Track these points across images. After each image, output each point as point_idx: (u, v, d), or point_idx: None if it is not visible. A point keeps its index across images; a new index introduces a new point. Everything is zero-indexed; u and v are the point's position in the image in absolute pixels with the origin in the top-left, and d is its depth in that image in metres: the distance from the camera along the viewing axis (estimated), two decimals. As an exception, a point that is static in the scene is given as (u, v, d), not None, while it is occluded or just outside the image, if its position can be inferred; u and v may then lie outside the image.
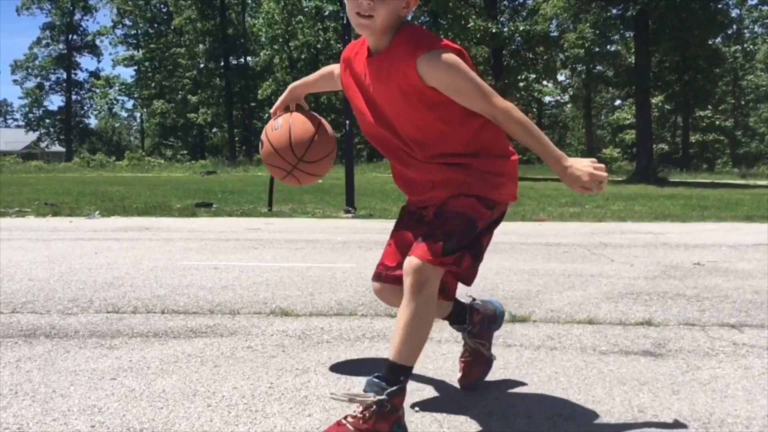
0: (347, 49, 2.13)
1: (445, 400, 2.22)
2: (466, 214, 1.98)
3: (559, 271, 4.78)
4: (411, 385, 2.35)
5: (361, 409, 1.86)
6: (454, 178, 2.01)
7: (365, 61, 2.02)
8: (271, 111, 2.39)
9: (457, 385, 2.37)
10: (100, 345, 2.84)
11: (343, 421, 1.85)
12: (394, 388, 1.87)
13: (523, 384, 2.40)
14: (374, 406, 1.85)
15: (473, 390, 2.33)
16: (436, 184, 2.04)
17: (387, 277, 2.13)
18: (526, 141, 1.97)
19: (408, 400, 2.20)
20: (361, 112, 2.08)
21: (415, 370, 2.51)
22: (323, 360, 2.65)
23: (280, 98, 2.37)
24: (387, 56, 1.95)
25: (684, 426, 2.01)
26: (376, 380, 1.89)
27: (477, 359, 2.37)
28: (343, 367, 2.55)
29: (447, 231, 1.93)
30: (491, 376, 2.46)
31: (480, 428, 2.00)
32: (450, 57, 1.89)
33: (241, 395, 2.24)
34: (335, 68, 2.32)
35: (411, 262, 1.89)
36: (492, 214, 2.07)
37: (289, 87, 2.38)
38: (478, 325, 2.36)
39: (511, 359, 2.68)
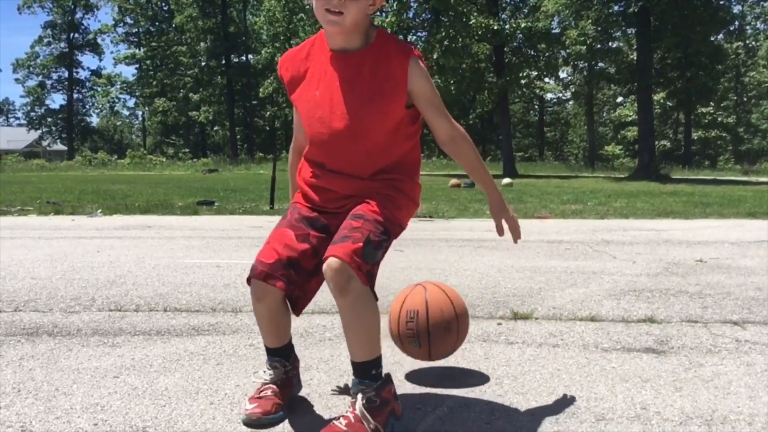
0: (288, 52, 2.11)
1: (448, 398, 2.22)
2: (384, 224, 1.95)
3: (561, 269, 4.77)
4: (413, 385, 2.35)
5: (351, 408, 1.88)
6: (379, 189, 2.01)
7: (330, 59, 1.99)
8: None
9: (459, 384, 2.36)
10: (102, 343, 2.84)
11: (336, 423, 1.86)
12: (377, 382, 1.90)
13: (525, 381, 2.40)
14: (364, 403, 1.87)
15: (475, 388, 2.33)
16: (357, 194, 2.02)
17: (262, 274, 2.01)
18: (476, 165, 2.10)
19: (410, 400, 2.20)
20: (317, 107, 2.00)
21: (417, 368, 2.52)
22: (325, 357, 2.65)
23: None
24: (369, 54, 1.96)
25: (686, 423, 2.01)
26: (357, 380, 1.91)
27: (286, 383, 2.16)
28: (345, 365, 2.55)
29: (367, 235, 1.89)
30: (493, 374, 2.46)
31: (483, 426, 2.00)
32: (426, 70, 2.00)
33: (244, 393, 2.24)
34: (289, 157, 2.26)
35: (331, 264, 1.84)
36: (398, 234, 2.05)
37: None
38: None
39: (514, 356, 2.68)
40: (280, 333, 2.11)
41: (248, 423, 1.97)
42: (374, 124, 1.97)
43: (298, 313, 2.08)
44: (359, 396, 1.88)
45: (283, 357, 2.13)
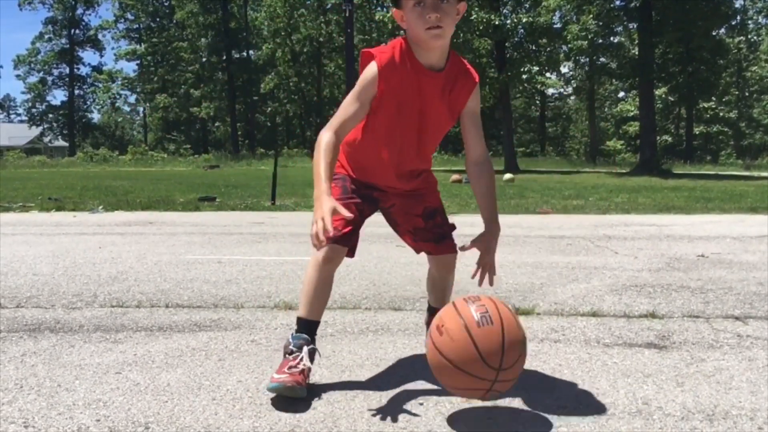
0: (384, 58, 2.16)
1: (450, 393, 2.22)
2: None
3: (563, 264, 4.77)
4: (415, 380, 2.36)
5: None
6: (429, 180, 2.47)
7: (423, 74, 2.17)
8: (321, 227, 1.90)
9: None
10: (104, 339, 2.85)
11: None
12: None
13: (526, 376, 2.39)
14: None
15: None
16: (409, 189, 2.41)
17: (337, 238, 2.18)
18: (491, 189, 2.37)
19: (412, 395, 2.20)
20: (405, 118, 2.22)
21: (419, 363, 2.52)
22: (327, 353, 2.65)
23: (325, 212, 1.93)
24: (450, 75, 2.20)
25: (688, 418, 2.01)
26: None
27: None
28: (347, 360, 2.56)
29: (451, 227, 2.47)
30: (495, 369, 2.46)
31: (485, 421, 2.00)
32: None
33: (246, 388, 2.24)
34: (328, 137, 2.12)
35: (451, 258, 2.43)
36: None
37: (326, 199, 1.97)
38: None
39: (515, 352, 2.68)
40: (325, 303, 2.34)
41: (280, 390, 2.09)
42: (439, 137, 2.35)
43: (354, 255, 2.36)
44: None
45: (314, 333, 2.29)
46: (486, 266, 2.32)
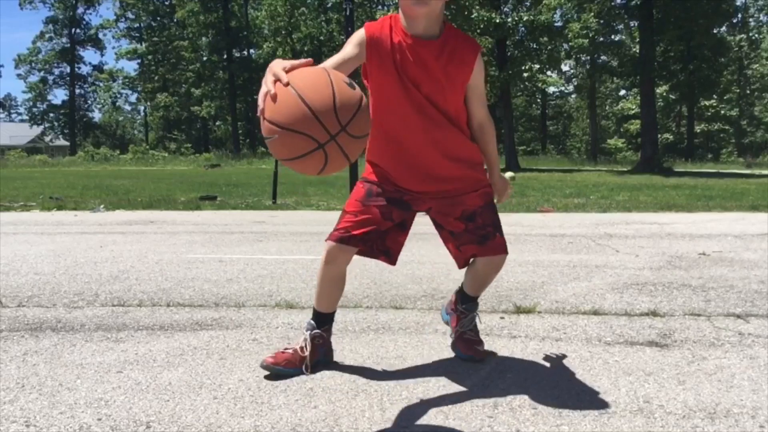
0: (372, 26, 2.21)
1: (451, 392, 2.22)
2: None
3: (564, 262, 4.77)
4: (415, 378, 2.36)
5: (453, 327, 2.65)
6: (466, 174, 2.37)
7: (411, 43, 2.17)
8: (283, 68, 1.74)
9: (461, 378, 2.37)
10: (106, 338, 2.85)
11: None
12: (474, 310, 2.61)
13: (528, 375, 2.40)
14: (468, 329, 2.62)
15: (477, 382, 2.33)
16: (451, 178, 2.33)
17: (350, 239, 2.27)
18: (492, 144, 2.42)
19: (413, 393, 2.20)
20: (402, 87, 2.19)
21: (420, 362, 2.52)
22: (328, 352, 2.65)
23: (273, 66, 1.78)
24: (445, 44, 2.20)
25: (689, 416, 2.01)
26: (465, 306, 2.60)
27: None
28: (349, 359, 2.56)
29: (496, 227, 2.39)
30: (496, 367, 2.46)
31: (485, 419, 2.00)
32: None
33: (247, 387, 2.25)
34: (350, 53, 2.14)
35: (503, 259, 2.40)
36: None
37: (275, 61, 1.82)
38: None
39: (516, 350, 2.68)
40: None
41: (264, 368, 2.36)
42: (451, 108, 2.27)
43: (394, 262, 2.43)
44: (464, 318, 2.57)
45: (326, 323, 2.45)
46: (499, 188, 2.47)
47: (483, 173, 2.41)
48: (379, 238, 2.33)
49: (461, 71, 2.23)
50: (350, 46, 2.17)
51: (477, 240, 2.36)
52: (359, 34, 2.19)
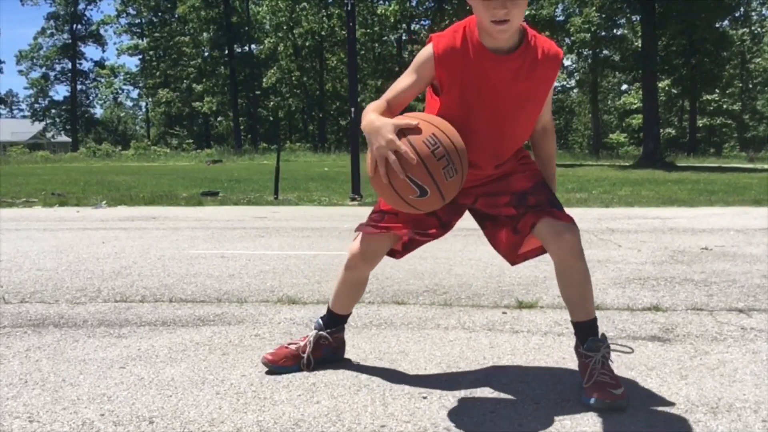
0: (442, 42, 2.01)
1: (453, 387, 2.22)
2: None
3: (566, 257, 4.76)
4: (417, 374, 2.36)
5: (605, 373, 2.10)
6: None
7: (488, 59, 1.98)
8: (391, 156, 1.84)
9: (463, 373, 2.37)
10: (108, 334, 2.85)
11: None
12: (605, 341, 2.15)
13: (530, 370, 2.40)
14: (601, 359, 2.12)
15: (480, 377, 2.33)
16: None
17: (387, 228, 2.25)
18: (553, 146, 2.32)
19: (415, 389, 2.20)
20: (475, 110, 2.03)
21: (421, 358, 2.52)
22: (331, 347, 2.65)
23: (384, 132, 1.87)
24: (526, 56, 2.01)
25: (692, 411, 2.00)
26: (592, 340, 2.15)
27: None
28: (351, 354, 2.56)
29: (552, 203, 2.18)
30: (498, 362, 2.46)
31: (487, 414, 2.00)
32: None
33: (250, 383, 2.25)
34: (376, 102, 2.03)
35: (574, 228, 2.07)
36: None
37: (383, 122, 1.89)
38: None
39: (519, 345, 2.68)
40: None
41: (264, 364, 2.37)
42: (523, 131, 2.15)
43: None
44: (598, 354, 2.10)
45: (337, 323, 2.46)
46: None
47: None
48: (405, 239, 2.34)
49: (541, 89, 2.07)
50: (418, 72, 2.04)
51: (534, 213, 2.10)
52: (427, 54, 2.02)
